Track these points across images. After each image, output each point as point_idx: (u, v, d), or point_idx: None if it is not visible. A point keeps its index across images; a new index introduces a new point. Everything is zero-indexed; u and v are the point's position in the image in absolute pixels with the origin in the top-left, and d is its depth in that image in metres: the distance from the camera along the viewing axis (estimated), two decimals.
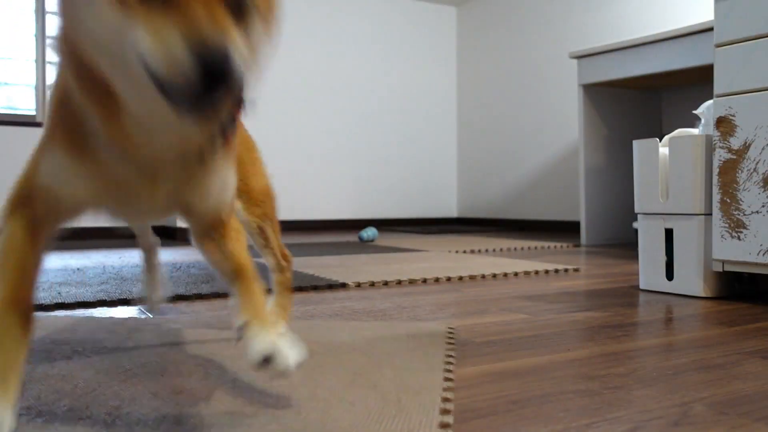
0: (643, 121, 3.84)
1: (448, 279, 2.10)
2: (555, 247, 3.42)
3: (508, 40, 5.30)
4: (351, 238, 4.17)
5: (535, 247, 3.39)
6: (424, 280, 2.06)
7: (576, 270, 2.37)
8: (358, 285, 1.95)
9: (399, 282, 2.01)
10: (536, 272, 2.28)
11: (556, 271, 2.32)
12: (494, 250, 3.19)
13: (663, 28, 3.99)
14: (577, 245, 3.52)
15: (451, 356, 1.07)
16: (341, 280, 1.97)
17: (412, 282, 2.03)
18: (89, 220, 0.75)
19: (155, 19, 0.52)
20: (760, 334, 1.30)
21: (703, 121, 1.80)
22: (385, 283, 1.99)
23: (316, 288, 1.88)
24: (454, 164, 5.89)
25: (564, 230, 4.75)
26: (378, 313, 1.50)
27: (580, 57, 3.57)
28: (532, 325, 1.37)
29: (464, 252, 3.07)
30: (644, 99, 3.85)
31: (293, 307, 1.32)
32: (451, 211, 5.88)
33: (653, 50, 3.15)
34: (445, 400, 0.84)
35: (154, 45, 0.51)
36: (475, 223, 5.64)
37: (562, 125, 4.78)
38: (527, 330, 1.33)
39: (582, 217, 3.59)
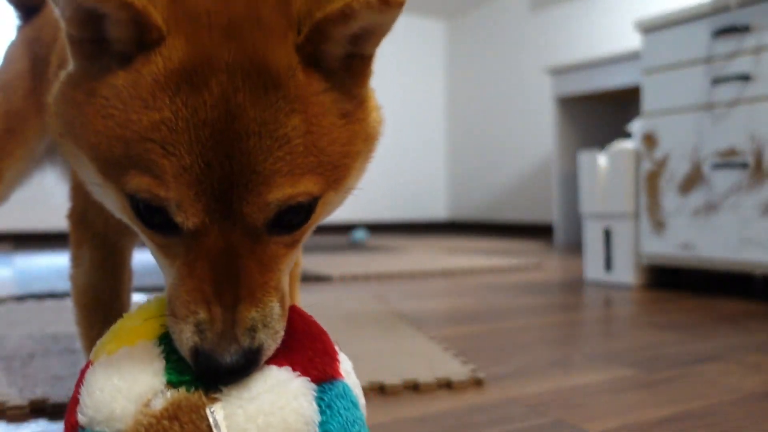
0: (612, 131, 4.15)
1: (423, 274, 2.40)
2: (530, 247, 3.71)
3: (493, 54, 5.62)
4: (343, 240, 4.47)
5: (511, 248, 3.69)
6: (400, 275, 2.36)
7: (536, 266, 2.66)
8: (342, 278, 2.25)
9: (378, 276, 2.31)
10: (500, 268, 2.58)
11: (519, 266, 2.62)
12: (472, 250, 3.49)
13: (632, 45, 4.31)
14: (551, 245, 3.82)
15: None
16: (328, 273, 2.27)
17: (389, 276, 2.33)
18: None
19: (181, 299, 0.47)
20: (655, 312, 1.59)
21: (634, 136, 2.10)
22: (366, 277, 2.29)
23: (305, 279, 2.17)
24: (444, 171, 6.21)
25: (545, 232, 5.05)
26: (356, 299, 1.80)
27: (554, 72, 3.87)
28: (476, 307, 1.67)
29: (443, 252, 3.37)
30: (614, 110, 4.16)
31: None
32: (442, 214, 6.19)
33: (621, 66, 3.46)
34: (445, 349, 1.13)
35: (176, 328, 0.47)
36: (463, 226, 5.95)
37: (543, 134, 5.09)
38: (471, 310, 1.63)
39: (555, 219, 3.89)
